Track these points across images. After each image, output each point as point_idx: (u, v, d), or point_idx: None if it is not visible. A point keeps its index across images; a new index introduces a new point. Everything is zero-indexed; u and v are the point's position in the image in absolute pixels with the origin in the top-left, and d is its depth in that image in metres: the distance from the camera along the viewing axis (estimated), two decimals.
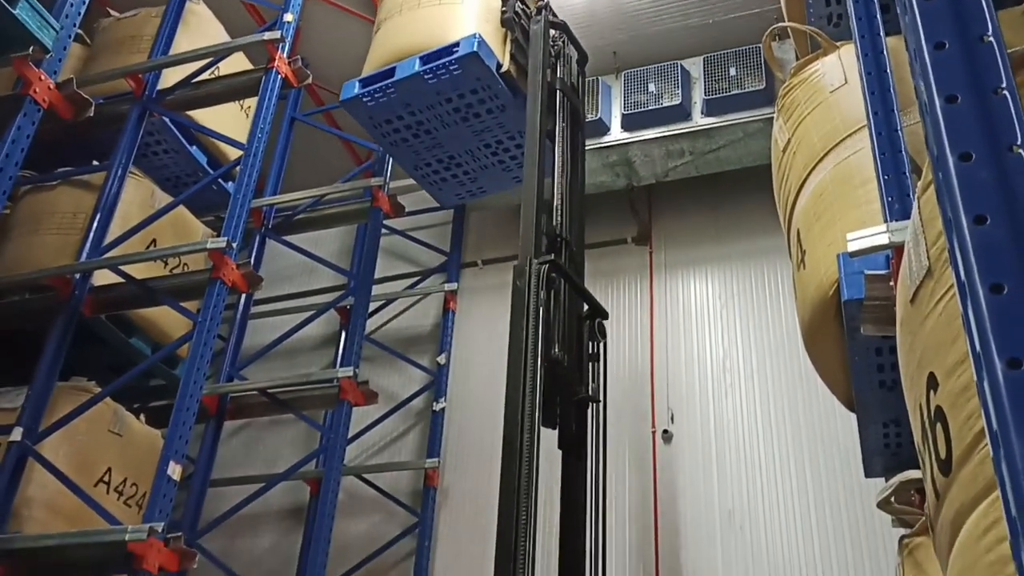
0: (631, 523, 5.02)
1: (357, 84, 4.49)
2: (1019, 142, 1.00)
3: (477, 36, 4.37)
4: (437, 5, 4.59)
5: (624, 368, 5.51)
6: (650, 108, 5.55)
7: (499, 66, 4.50)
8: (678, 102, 5.48)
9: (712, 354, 5.43)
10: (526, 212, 3.94)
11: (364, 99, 4.46)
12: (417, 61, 4.39)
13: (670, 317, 5.64)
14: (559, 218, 4.21)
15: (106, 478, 4.46)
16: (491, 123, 4.72)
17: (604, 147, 5.64)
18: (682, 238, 5.93)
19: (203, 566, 5.36)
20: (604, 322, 4.30)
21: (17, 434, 4.14)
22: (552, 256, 3.87)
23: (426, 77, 4.39)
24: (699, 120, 5.49)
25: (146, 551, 3.66)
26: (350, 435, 5.55)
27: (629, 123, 5.61)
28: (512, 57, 4.58)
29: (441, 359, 5.93)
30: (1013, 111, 1.02)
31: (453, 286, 6.13)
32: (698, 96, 5.54)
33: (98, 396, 4.29)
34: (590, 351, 4.15)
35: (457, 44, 4.37)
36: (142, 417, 4.80)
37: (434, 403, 5.78)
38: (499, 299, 6.01)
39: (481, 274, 6.26)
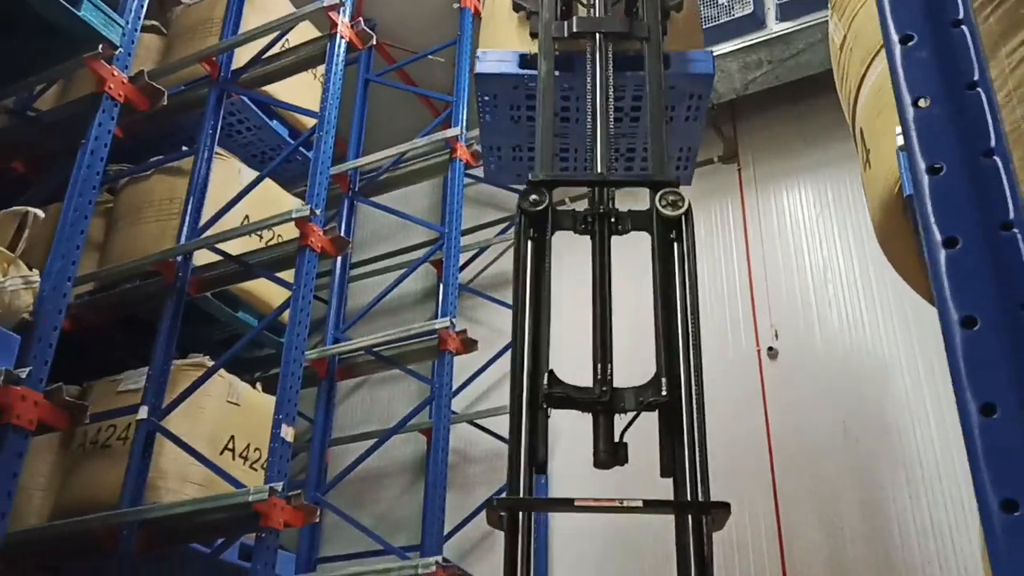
0: (743, 447, 4.98)
1: (517, 60, 3.09)
2: None
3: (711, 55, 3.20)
4: None
5: (723, 289, 5.43)
6: (722, 21, 5.36)
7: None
8: (750, 11, 5.28)
9: (812, 266, 5.28)
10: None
11: (516, 78, 3.08)
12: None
13: (765, 233, 5.50)
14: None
15: (230, 445, 4.71)
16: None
17: None
18: (770, 151, 5.74)
19: (335, 523, 5.65)
20: None
21: (143, 412, 4.42)
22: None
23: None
24: (774, 27, 5.27)
25: (270, 510, 3.87)
26: (459, 383, 5.68)
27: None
28: None
29: None
30: None
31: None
32: (770, 2, 5.32)
33: (211, 369, 4.51)
34: None
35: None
36: (258, 386, 5.04)
37: None
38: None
39: None
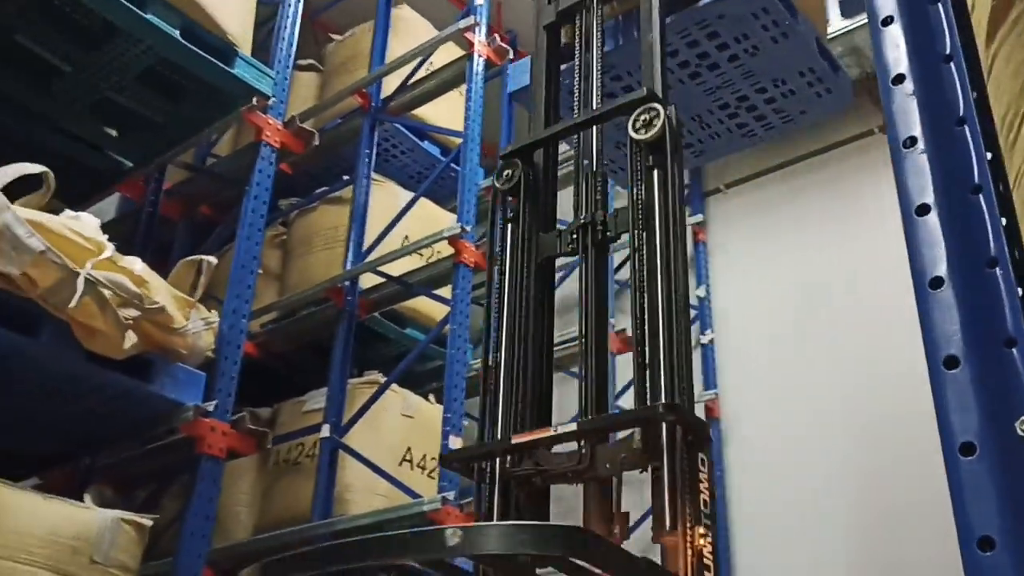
0: None
1: None
2: None
3: None
4: None
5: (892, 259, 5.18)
6: None
7: None
8: None
9: None
10: None
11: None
12: (815, 34, 3.14)
13: None
14: None
15: (408, 456, 4.97)
16: (752, 65, 3.13)
17: (828, 40, 5.28)
18: None
19: None
20: None
21: (326, 430, 4.74)
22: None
23: (813, 64, 3.12)
24: None
25: (443, 518, 4.06)
26: (625, 382, 5.72)
27: (848, 8, 5.21)
28: None
29: (700, 292, 5.91)
30: None
31: (698, 218, 6.06)
32: None
33: (383, 386, 4.77)
34: None
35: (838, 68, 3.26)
36: (431, 398, 5.28)
37: (700, 336, 5.79)
38: (750, 221, 5.87)
39: (725, 199, 6.13)
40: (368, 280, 5.06)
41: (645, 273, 2.08)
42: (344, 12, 6.48)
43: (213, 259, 3.62)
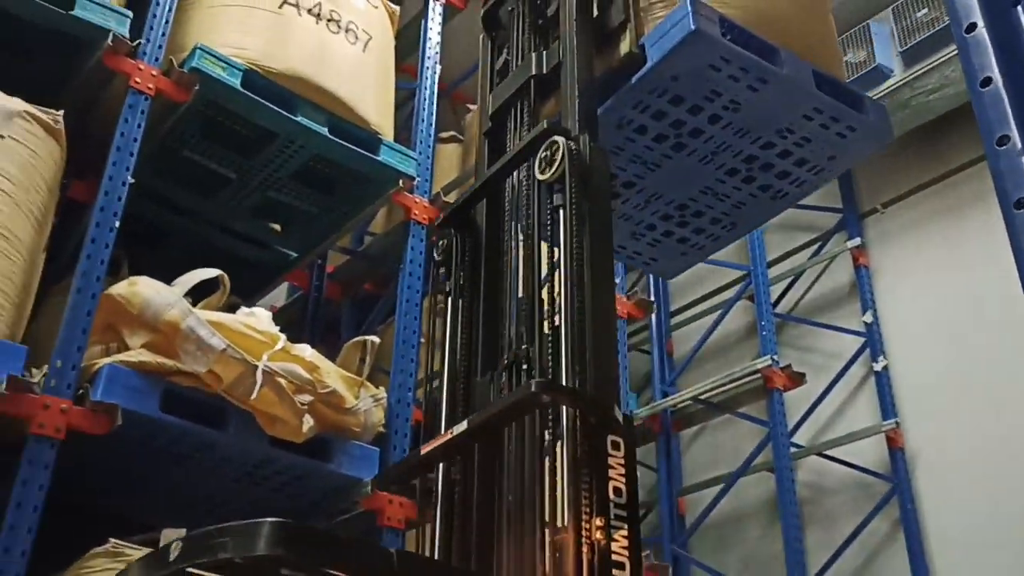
0: None
1: (718, 22, 2.36)
2: None
3: None
4: None
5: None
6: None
7: None
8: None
9: None
10: None
11: (718, 54, 2.38)
12: (810, 71, 2.55)
13: None
14: None
15: None
16: (741, 122, 2.60)
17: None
18: None
19: (701, 574, 5.71)
20: None
21: None
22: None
23: (812, 111, 2.59)
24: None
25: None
26: (800, 415, 5.56)
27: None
28: None
29: (867, 317, 5.69)
30: None
31: (857, 242, 5.85)
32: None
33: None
34: None
35: (865, 97, 2.70)
36: None
37: (873, 363, 5.55)
38: (913, 238, 5.64)
39: (884, 219, 5.90)
40: None
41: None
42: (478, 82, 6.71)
43: (376, 339, 3.81)
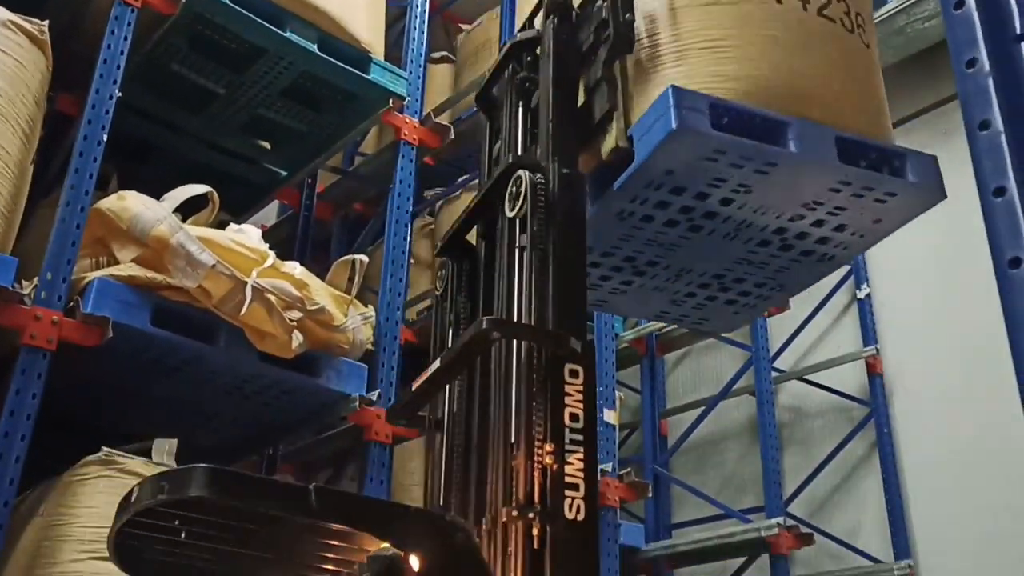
0: None
1: (707, 110, 2.02)
2: None
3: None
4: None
5: None
6: None
7: None
8: None
9: None
10: None
11: (708, 147, 2.03)
12: (833, 138, 2.12)
13: None
14: None
15: None
16: (757, 201, 2.27)
17: None
18: None
19: (680, 492, 5.86)
20: None
21: None
22: None
23: (834, 186, 2.16)
24: None
25: (604, 490, 4.17)
26: (783, 340, 5.65)
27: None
28: None
29: None
30: None
31: None
32: None
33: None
34: None
35: (904, 155, 2.23)
36: None
37: (856, 291, 5.63)
38: None
39: None
40: None
41: None
42: (471, 1, 6.62)
43: (365, 258, 3.84)
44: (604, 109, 2.10)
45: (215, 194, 3.58)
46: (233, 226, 3.57)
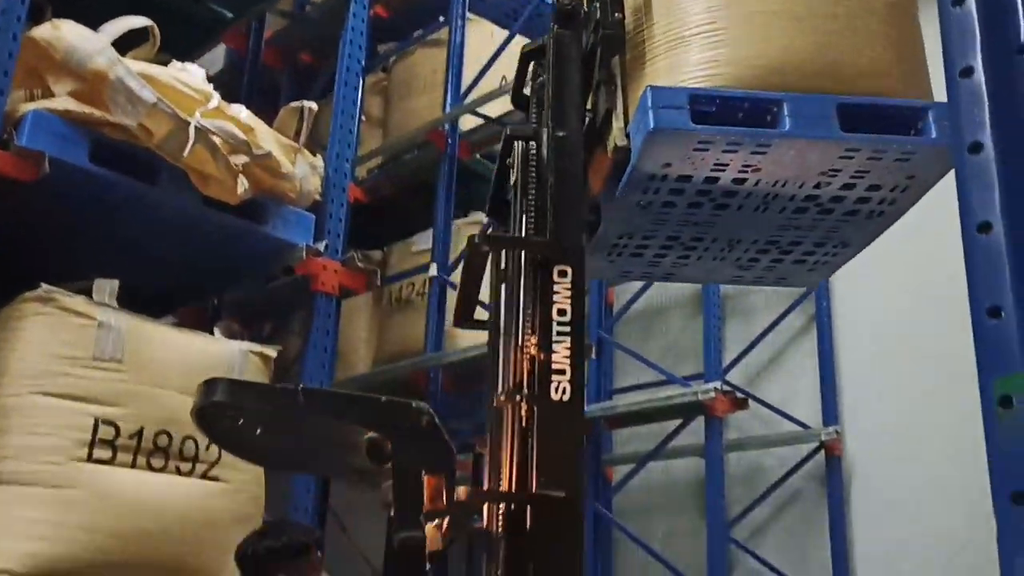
0: None
1: (687, 103, 2.02)
2: None
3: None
4: None
5: None
6: None
7: None
8: None
9: None
10: None
11: (693, 140, 2.04)
12: (833, 110, 2.04)
13: None
14: None
15: None
16: (771, 188, 2.28)
17: None
18: None
19: (628, 356, 5.98)
20: None
21: (433, 270, 4.93)
22: None
23: (843, 154, 2.07)
24: None
25: None
26: None
27: None
28: None
29: None
30: None
31: None
32: None
33: (487, 224, 4.90)
34: None
35: (922, 110, 2.08)
36: None
37: None
38: None
39: None
40: (468, 122, 5.10)
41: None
42: None
43: (314, 104, 3.73)
44: (604, 110, 2.14)
45: (156, 28, 3.42)
46: (176, 64, 3.43)
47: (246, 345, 3.35)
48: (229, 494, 3.11)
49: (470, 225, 5.11)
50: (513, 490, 1.78)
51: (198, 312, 4.26)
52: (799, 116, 2.01)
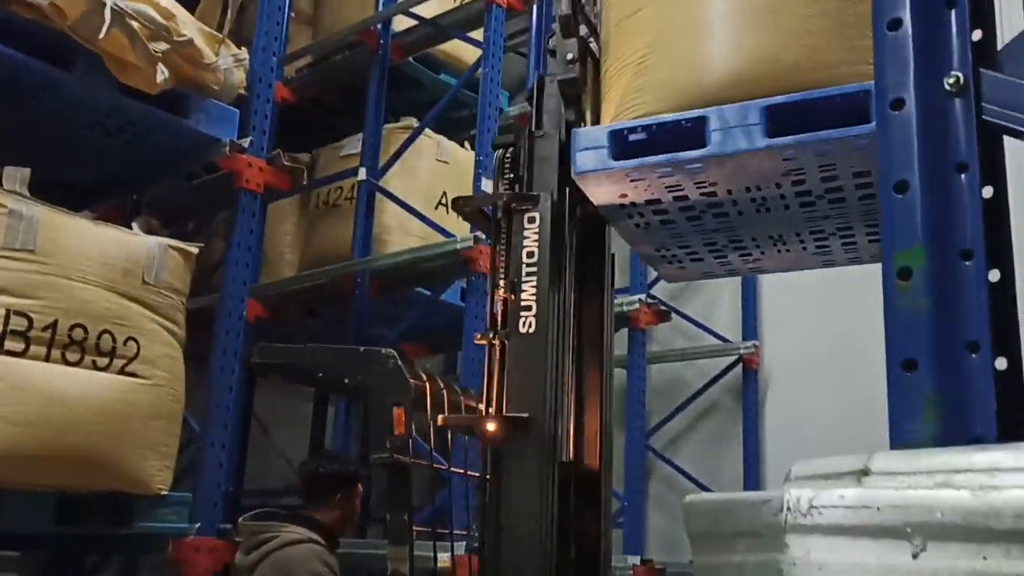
0: None
1: (607, 141, 2.04)
2: None
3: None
4: None
5: None
6: None
7: None
8: None
9: None
10: None
11: (623, 174, 2.05)
12: (760, 115, 1.88)
13: None
14: None
15: (443, 201, 5.09)
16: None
17: None
18: None
19: None
20: None
21: (363, 174, 4.85)
22: None
23: (786, 156, 1.91)
24: None
25: (476, 256, 4.23)
26: None
27: None
28: None
29: None
30: None
31: None
32: None
33: (417, 130, 4.82)
34: None
35: (862, 92, 1.78)
36: (466, 145, 5.33)
37: None
38: None
39: None
40: (401, 23, 4.97)
41: None
42: None
43: None
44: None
45: None
46: None
47: (165, 240, 3.26)
48: (148, 390, 3.06)
49: (400, 130, 5.03)
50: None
51: (117, 210, 4.14)
52: (725, 129, 1.88)
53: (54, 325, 2.84)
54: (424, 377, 2.53)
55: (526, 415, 2.05)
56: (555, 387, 2.12)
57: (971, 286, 0.85)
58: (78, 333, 2.90)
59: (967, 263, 0.85)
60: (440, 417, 2.21)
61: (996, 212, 0.87)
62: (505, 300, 2.14)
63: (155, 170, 3.77)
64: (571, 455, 2.19)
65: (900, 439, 0.83)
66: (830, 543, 0.68)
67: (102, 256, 3.00)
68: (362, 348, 2.38)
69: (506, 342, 2.12)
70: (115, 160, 3.63)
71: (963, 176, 0.87)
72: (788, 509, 0.71)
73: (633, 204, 2.15)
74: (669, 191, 2.07)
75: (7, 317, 2.75)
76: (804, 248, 2.40)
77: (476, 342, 2.17)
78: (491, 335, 2.13)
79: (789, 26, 1.89)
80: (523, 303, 2.10)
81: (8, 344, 2.76)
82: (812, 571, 0.69)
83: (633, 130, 1.98)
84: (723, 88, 1.90)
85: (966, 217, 0.86)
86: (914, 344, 0.84)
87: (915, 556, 0.65)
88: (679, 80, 1.97)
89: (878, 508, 0.67)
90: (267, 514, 2.86)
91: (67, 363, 2.87)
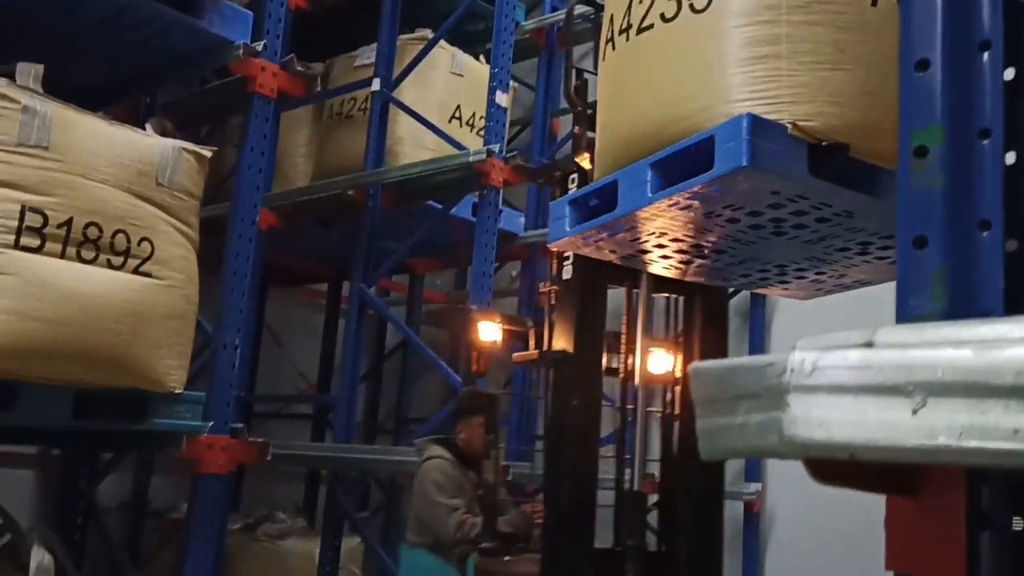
0: None
1: (567, 213, 2.13)
2: None
3: (746, 123, 1.66)
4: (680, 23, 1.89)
5: None
6: None
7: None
8: None
9: None
10: None
11: (581, 240, 2.14)
12: (648, 171, 1.86)
13: None
14: None
15: (457, 114, 5.06)
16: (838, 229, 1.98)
17: None
18: None
19: None
20: None
21: (376, 84, 4.81)
22: None
23: (667, 205, 1.88)
24: None
25: (489, 169, 4.22)
26: None
27: None
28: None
29: None
30: None
31: None
32: None
33: (432, 41, 4.76)
34: None
35: (710, 137, 1.74)
36: (482, 59, 5.26)
37: None
38: None
39: None
40: None
41: None
42: None
43: None
44: None
45: None
46: None
47: (179, 143, 3.25)
48: (162, 290, 3.09)
49: (415, 41, 4.96)
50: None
51: (130, 113, 4.12)
52: (629, 189, 1.90)
53: (69, 223, 2.86)
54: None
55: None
56: None
57: (987, 166, 0.85)
58: (92, 232, 2.92)
59: (984, 142, 0.85)
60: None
61: (1017, 93, 0.86)
62: None
63: (167, 72, 3.74)
64: None
65: (907, 314, 0.84)
66: (832, 400, 0.70)
67: (116, 156, 3.00)
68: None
69: None
70: (129, 60, 3.60)
71: (985, 55, 0.86)
72: (791, 371, 0.73)
73: (622, 257, 2.22)
74: (633, 243, 2.10)
75: (22, 213, 2.76)
76: (871, 259, 2.18)
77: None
78: None
79: (675, 76, 1.87)
80: None
81: (24, 240, 2.78)
82: (812, 428, 0.70)
83: (589, 195, 2.05)
84: (650, 144, 1.88)
85: (986, 97, 0.86)
86: (926, 221, 0.84)
87: (915, 412, 0.66)
88: (617, 142, 2.04)
89: (881, 368, 0.68)
90: (435, 439, 3.64)
91: (82, 261, 2.89)
